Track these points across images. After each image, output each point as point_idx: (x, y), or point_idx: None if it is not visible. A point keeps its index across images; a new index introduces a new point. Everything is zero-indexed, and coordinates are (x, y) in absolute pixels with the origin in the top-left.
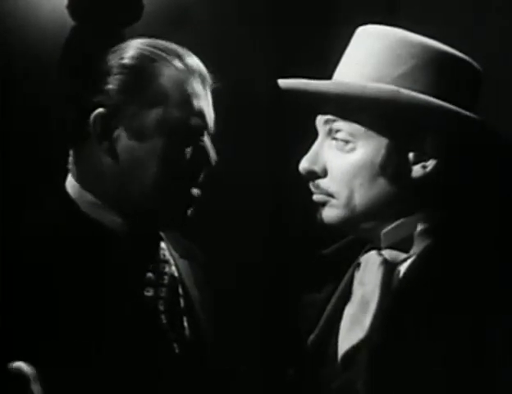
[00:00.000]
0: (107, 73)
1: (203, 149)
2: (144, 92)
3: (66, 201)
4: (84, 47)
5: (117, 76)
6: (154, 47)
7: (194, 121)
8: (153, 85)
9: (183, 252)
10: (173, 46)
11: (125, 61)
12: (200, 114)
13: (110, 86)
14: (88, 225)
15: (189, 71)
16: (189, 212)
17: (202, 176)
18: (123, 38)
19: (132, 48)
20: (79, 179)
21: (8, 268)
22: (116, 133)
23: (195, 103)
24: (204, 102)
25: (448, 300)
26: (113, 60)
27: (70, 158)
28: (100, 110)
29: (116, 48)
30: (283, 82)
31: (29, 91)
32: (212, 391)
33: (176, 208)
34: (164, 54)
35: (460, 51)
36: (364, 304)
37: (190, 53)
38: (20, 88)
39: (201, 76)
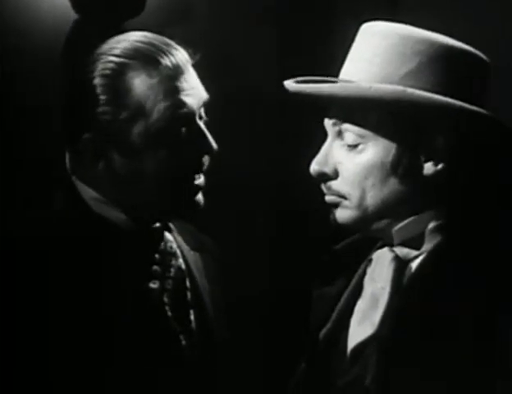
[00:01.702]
0: (87, 96)
1: (201, 138)
2: (123, 108)
3: (73, 195)
4: (86, 40)
5: (97, 98)
6: (125, 55)
7: (178, 113)
8: (128, 100)
9: (195, 245)
10: (145, 46)
11: (97, 80)
12: (182, 104)
13: (93, 109)
14: (93, 219)
15: (162, 68)
16: (198, 198)
17: (206, 163)
18: (124, 32)
19: (101, 64)
20: (81, 179)
21: (14, 262)
22: (109, 153)
23: (174, 95)
24: (186, 87)
25: (458, 297)
26: (89, 80)
27: (68, 163)
28: (87, 135)
29: (94, 57)
30: (289, 85)
31: (30, 85)
32: (219, 383)
33: (183, 198)
34: (133, 62)
35: (467, 43)
36: (375, 300)
37: (163, 45)
38: (22, 81)
39: (177, 66)
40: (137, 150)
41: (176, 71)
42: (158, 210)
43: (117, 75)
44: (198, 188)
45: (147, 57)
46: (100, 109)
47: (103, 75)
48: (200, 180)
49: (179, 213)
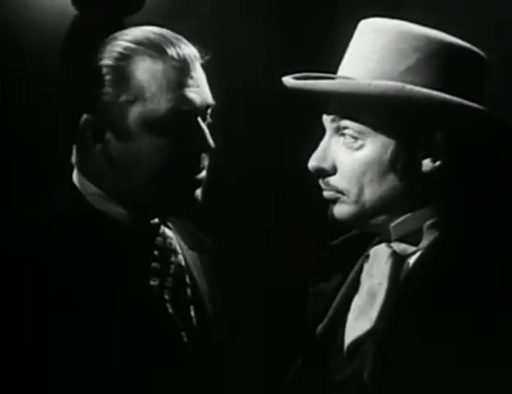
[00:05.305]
0: (93, 76)
1: (199, 135)
2: (124, 91)
3: (73, 192)
4: (86, 36)
5: (100, 79)
6: (134, 41)
7: (180, 108)
8: (130, 82)
9: (193, 244)
10: (155, 35)
11: (104, 61)
12: (185, 99)
13: (95, 89)
14: (93, 216)
15: (168, 58)
16: (197, 193)
17: (205, 160)
18: (124, 28)
19: (111, 47)
20: (82, 172)
21: (13, 258)
22: (106, 136)
23: (178, 89)
24: (191, 83)
25: (455, 293)
26: (96, 61)
27: (74, 152)
28: (86, 116)
29: (107, 41)
30: (288, 81)
31: (30, 80)
32: (220, 380)
33: (182, 194)
34: (140, 47)
35: (464, 40)
36: (372, 295)
37: (172, 38)
38: (21, 77)
39: (183, 59)
40: (132, 135)
41: (182, 65)
42: (154, 204)
43: (123, 58)
44: (197, 183)
45: (154, 45)
46: (103, 90)
47: (111, 57)
48: (200, 175)
49: (175, 208)
